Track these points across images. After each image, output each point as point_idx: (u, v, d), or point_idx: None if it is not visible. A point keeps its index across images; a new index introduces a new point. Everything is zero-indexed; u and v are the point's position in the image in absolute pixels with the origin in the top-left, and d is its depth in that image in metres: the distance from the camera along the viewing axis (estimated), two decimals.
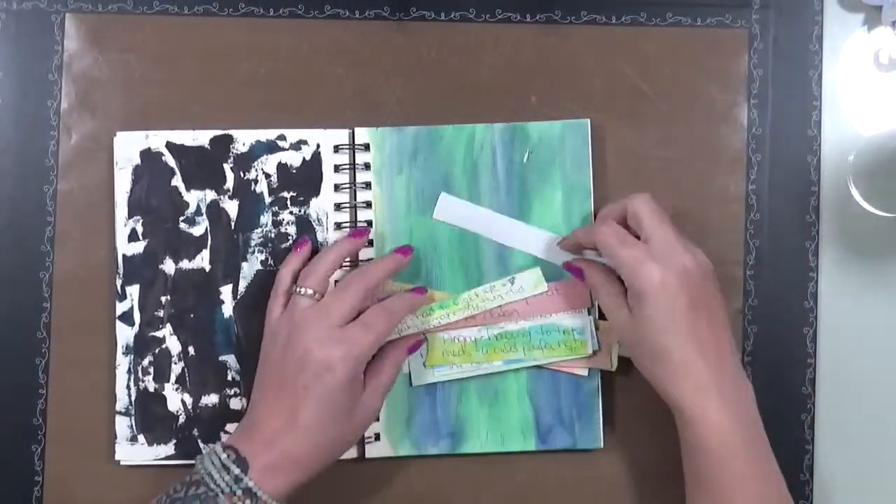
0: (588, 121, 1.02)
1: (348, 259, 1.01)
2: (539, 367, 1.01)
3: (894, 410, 1.03)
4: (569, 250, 1.01)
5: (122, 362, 1.02)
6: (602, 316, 1.01)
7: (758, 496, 0.90)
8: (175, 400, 1.02)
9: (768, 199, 1.03)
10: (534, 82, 1.04)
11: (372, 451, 1.02)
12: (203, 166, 1.03)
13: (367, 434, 1.01)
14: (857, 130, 1.04)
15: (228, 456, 0.90)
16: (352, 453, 1.01)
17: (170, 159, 1.03)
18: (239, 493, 0.89)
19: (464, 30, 1.04)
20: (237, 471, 0.89)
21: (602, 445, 1.02)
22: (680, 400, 0.91)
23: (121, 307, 1.02)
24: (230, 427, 1.01)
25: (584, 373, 1.01)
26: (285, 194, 1.03)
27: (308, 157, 1.03)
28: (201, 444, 1.01)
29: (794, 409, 1.00)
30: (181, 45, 1.04)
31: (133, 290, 1.02)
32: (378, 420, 1.01)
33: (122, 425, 1.02)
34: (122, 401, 1.02)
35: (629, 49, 1.04)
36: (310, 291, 0.96)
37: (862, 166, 1.02)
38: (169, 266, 1.02)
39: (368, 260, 1.01)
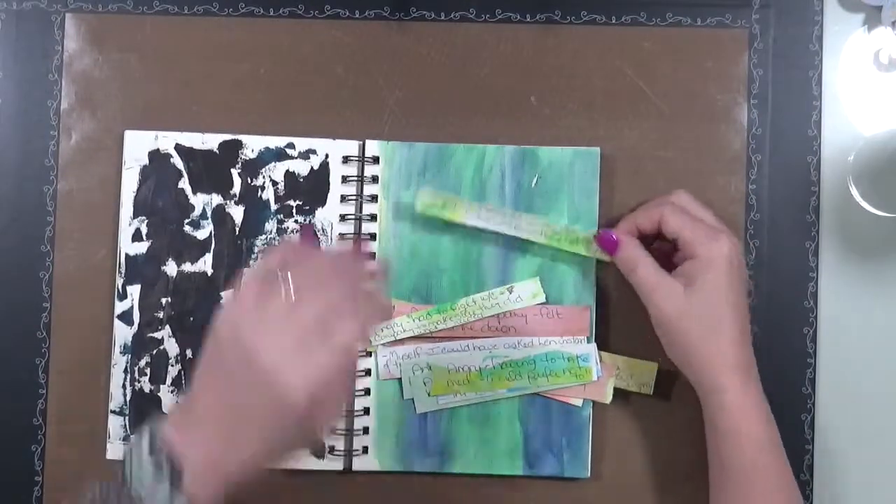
0: (598, 150, 1.02)
1: None
2: (533, 393, 1.01)
3: (894, 410, 1.03)
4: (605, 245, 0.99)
5: (119, 361, 1.02)
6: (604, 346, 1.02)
7: (783, 484, 0.93)
8: (170, 402, 1.02)
9: (768, 199, 1.03)
10: (534, 82, 1.04)
11: (358, 464, 1.02)
12: (211, 170, 1.03)
13: (354, 447, 1.01)
14: (857, 130, 1.04)
15: (159, 459, 0.81)
16: (338, 465, 1.01)
17: (178, 161, 1.03)
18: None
19: (464, 30, 1.04)
20: (167, 486, 0.81)
21: (589, 475, 1.02)
22: (722, 383, 0.92)
23: (121, 306, 1.02)
24: None
25: (579, 403, 1.01)
26: (291, 202, 1.03)
27: (316, 167, 1.03)
28: None
29: (794, 409, 1.00)
30: (181, 45, 1.04)
31: (134, 290, 1.02)
32: (368, 433, 1.01)
33: (116, 424, 1.02)
34: (116, 400, 1.02)
35: (629, 49, 1.04)
36: (292, 287, 0.86)
37: (862, 166, 1.02)
38: (171, 268, 1.02)
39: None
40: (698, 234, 0.94)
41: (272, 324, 0.84)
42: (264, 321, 0.84)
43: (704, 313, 0.93)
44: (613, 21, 1.04)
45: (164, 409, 1.02)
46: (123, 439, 1.01)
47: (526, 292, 1.01)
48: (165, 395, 1.02)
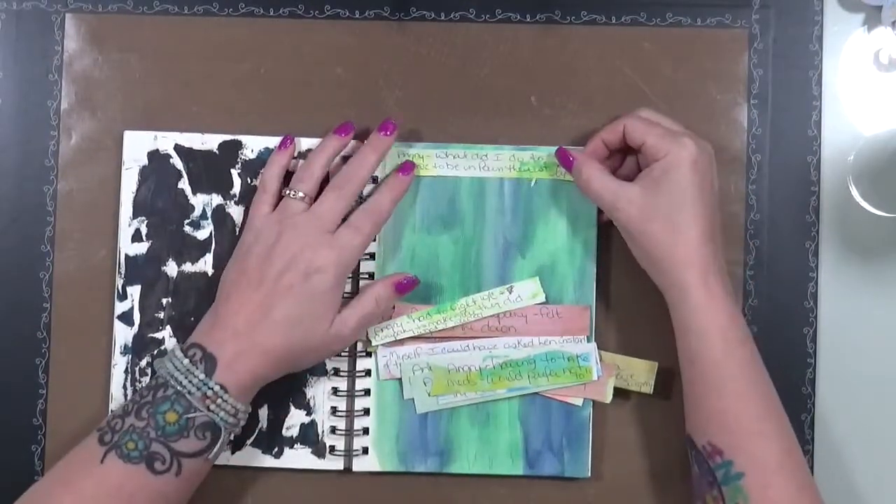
0: None
1: None
2: (533, 393, 1.01)
3: (894, 410, 1.03)
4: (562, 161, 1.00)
5: (120, 362, 1.02)
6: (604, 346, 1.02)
7: (755, 380, 0.93)
8: None
9: (768, 199, 1.03)
10: (534, 82, 1.04)
11: (359, 464, 1.02)
12: (210, 170, 1.03)
13: (354, 447, 1.01)
14: (857, 130, 1.04)
15: (193, 356, 0.92)
16: (338, 465, 1.01)
17: (177, 161, 1.03)
18: (210, 393, 0.91)
19: (464, 30, 1.04)
20: (202, 375, 0.91)
21: (589, 475, 1.02)
22: (686, 280, 0.93)
23: (121, 307, 1.02)
24: None
25: (579, 402, 1.01)
26: None
27: None
28: None
29: (795, 409, 1.00)
30: (181, 45, 1.04)
31: (134, 291, 1.02)
32: (368, 433, 1.01)
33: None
34: (117, 401, 1.02)
35: (629, 49, 1.04)
36: (301, 195, 0.97)
37: (862, 166, 1.02)
38: (171, 268, 1.02)
39: (370, 275, 1.01)
40: (661, 138, 0.95)
41: (292, 221, 0.96)
42: (283, 220, 0.96)
43: (665, 214, 0.93)
44: (613, 21, 1.04)
45: None
46: None
47: (526, 292, 1.01)
48: None
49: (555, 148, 1.00)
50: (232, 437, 0.94)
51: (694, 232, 0.93)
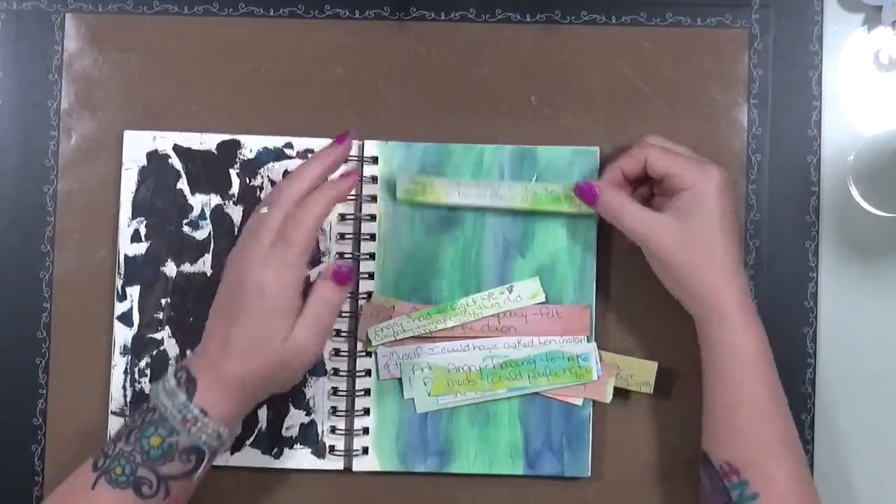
0: (597, 149, 1.02)
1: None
2: (533, 393, 1.01)
3: (894, 410, 1.03)
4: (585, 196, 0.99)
5: (119, 362, 1.02)
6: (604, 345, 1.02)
7: (777, 405, 0.94)
8: None
9: (768, 199, 1.03)
10: (534, 82, 1.04)
11: (359, 464, 1.02)
12: (209, 170, 1.03)
13: (354, 447, 1.01)
14: (857, 130, 1.04)
15: (180, 377, 0.90)
16: (338, 465, 1.01)
17: (176, 162, 1.03)
18: (190, 416, 0.89)
19: (464, 30, 1.04)
20: (183, 397, 0.89)
21: (589, 475, 1.02)
22: (719, 299, 0.93)
23: (120, 307, 1.02)
24: None
25: (579, 402, 1.01)
26: None
27: None
28: None
29: (795, 408, 1.00)
30: (181, 45, 1.04)
31: (133, 291, 1.02)
32: (368, 433, 1.01)
33: (116, 425, 1.01)
34: (117, 401, 1.02)
35: (629, 49, 1.04)
36: (264, 210, 0.93)
37: (862, 166, 1.02)
38: (170, 269, 1.02)
39: (370, 275, 1.02)
40: (688, 167, 0.95)
41: (240, 242, 0.93)
42: (236, 250, 0.93)
43: (700, 243, 0.94)
44: (613, 21, 1.04)
45: None
46: None
47: (526, 292, 1.01)
48: None
49: (557, 149, 1.01)
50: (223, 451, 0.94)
51: (728, 258, 0.94)
